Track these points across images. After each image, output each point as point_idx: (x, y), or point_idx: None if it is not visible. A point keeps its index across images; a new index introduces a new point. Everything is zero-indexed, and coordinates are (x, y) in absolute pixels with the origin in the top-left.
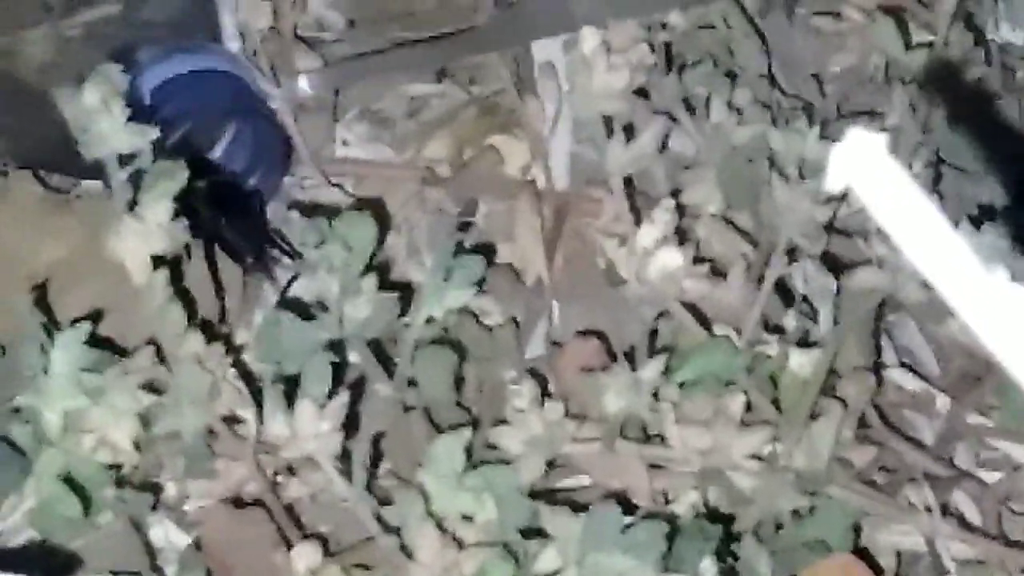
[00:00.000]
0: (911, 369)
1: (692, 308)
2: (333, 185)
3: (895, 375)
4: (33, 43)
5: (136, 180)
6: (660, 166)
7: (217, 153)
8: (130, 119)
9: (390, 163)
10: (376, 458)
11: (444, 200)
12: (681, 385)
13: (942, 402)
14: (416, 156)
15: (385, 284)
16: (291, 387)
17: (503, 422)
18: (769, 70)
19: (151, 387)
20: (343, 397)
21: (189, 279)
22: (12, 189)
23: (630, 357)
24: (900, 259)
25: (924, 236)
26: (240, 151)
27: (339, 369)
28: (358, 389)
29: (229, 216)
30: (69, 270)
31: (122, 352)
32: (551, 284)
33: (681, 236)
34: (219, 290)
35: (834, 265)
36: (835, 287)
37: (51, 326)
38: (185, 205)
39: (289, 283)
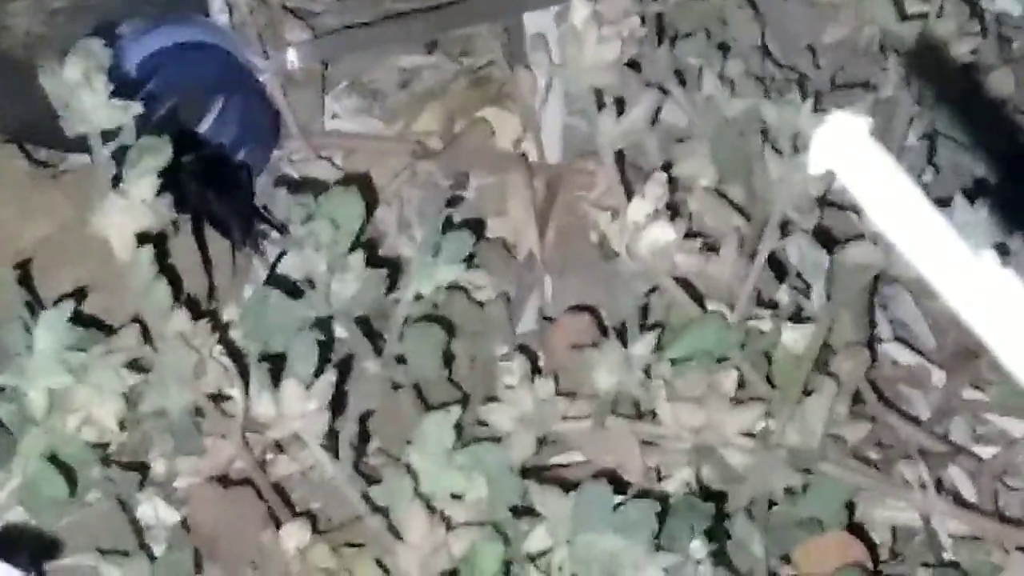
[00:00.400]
0: (906, 343)
1: (684, 283)
2: (322, 158)
3: (890, 349)
4: (18, 15)
5: (120, 156)
6: (652, 139)
7: (205, 127)
8: (114, 93)
9: (380, 136)
10: (364, 436)
11: (435, 173)
12: (673, 361)
13: (938, 376)
14: (406, 129)
15: (375, 258)
16: (278, 365)
17: (494, 399)
18: (763, 41)
19: (136, 365)
20: (330, 376)
21: (176, 255)
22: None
23: (621, 333)
24: (881, 245)
25: (909, 220)
26: (228, 125)
27: (326, 347)
28: (346, 367)
29: (217, 190)
30: (55, 247)
31: (108, 330)
32: (543, 258)
33: (673, 210)
34: (207, 265)
35: (827, 239)
36: (828, 262)
37: (35, 304)
38: (172, 179)
39: (277, 259)
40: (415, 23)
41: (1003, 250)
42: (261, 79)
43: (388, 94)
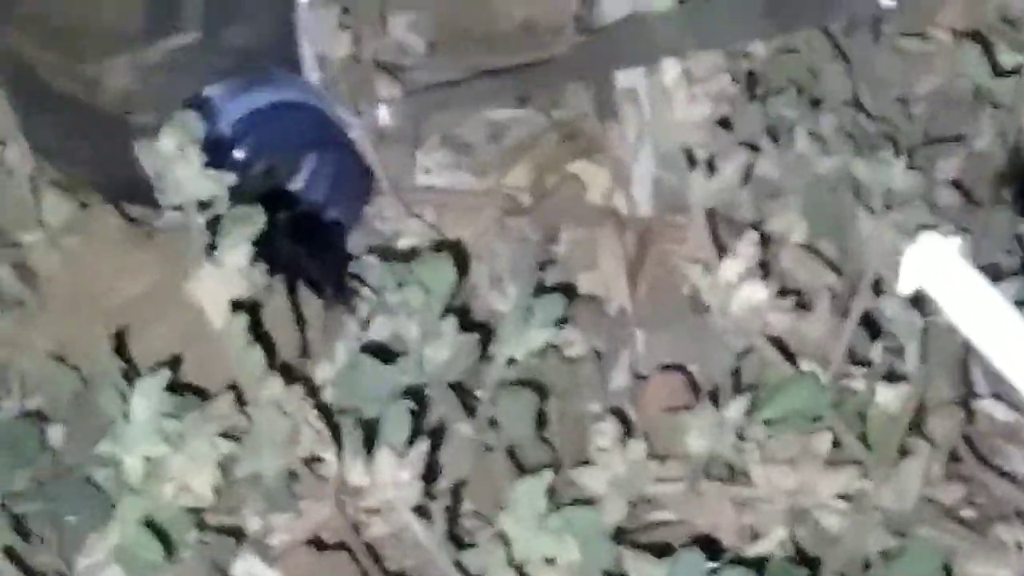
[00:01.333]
0: (1003, 399)
1: (777, 342)
2: (413, 215)
3: (987, 405)
4: (114, 72)
5: (214, 225)
6: (745, 194)
7: (298, 185)
8: (208, 153)
9: (471, 191)
10: (457, 500)
11: (526, 228)
12: (766, 423)
13: None
14: (497, 183)
15: (467, 315)
16: (371, 431)
17: (586, 462)
18: (854, 94)
19: (231, 434)
20: (422, 445)
21: (268, 318)
22: (93, 222)
23: (714, 394)
24: None
25: (1004, 338)
26: (320, 183)
27: (419, 415)
28: (439, 434)
29: (310, 249)
30: (149, 307)
31: (203, 395)
32: (635, 313)
33: (765, 267)
34: (300, 324)
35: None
36: (922, 323)
37: (131, 371)
38: (266, 238)
39: (368, 321)
40: (505, 81)
41: None
42: (353, 136)
43: (479, 148)
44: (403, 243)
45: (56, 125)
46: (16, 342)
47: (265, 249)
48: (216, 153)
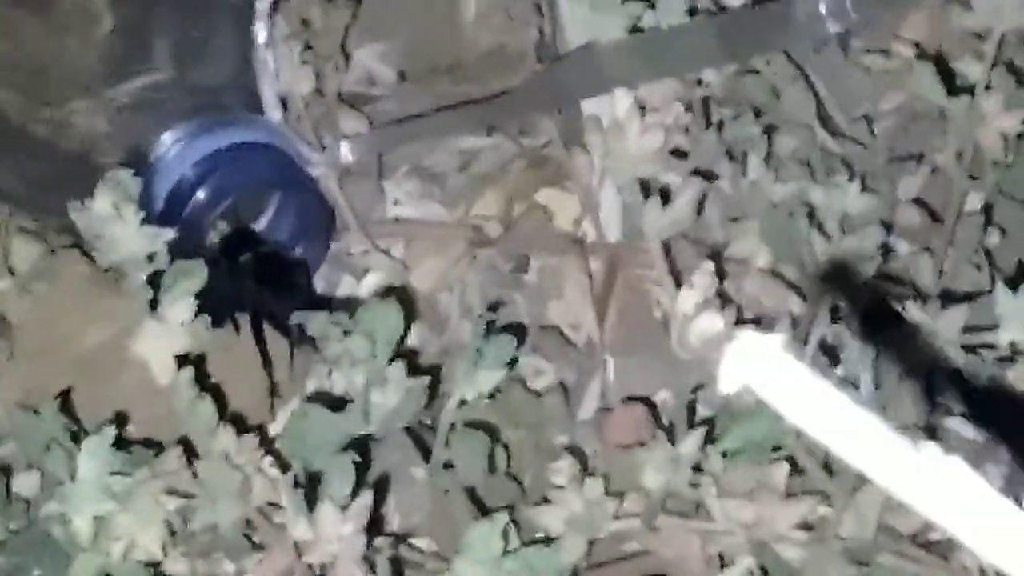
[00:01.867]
0: (970, 419)
1: None
2: (380, 250)
3: (955, 425)
4: (80, 112)
5: (156, 280)
6: (703, 223)
7: (262, 225)
8: (171, 197)
9: (441, 222)
10: (411, 547)
11: (495, 257)
12: (725, 455)
13: (1004, 452)
14: (466, 214)
15: (416, 357)
16: (317, 483)
17: (546, 499)
18: (818, 113)
19: (179, 489)
20: (366, 498)
21: (217, 367)
22: (60, 268)
23: (670, 429)
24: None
25: (840, 426)
26: (284, 222)
27: (363, 466)
28: (387, 483)
29: (274, 288)
30: (114, 354)
31: (158, 447)
32: (604, 341)
33: (725, 295)
34: (266, 365)
35: (876, 323)
36: (874, 353)
37: (80, 430)
38: (231, 278)
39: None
40: (472, 112)
41: None
42: (315, 174)
43: (448, 178)
44: (370, 279)
45: (22, 170)
46: None
47: (229, 291)
48: (178, 196)
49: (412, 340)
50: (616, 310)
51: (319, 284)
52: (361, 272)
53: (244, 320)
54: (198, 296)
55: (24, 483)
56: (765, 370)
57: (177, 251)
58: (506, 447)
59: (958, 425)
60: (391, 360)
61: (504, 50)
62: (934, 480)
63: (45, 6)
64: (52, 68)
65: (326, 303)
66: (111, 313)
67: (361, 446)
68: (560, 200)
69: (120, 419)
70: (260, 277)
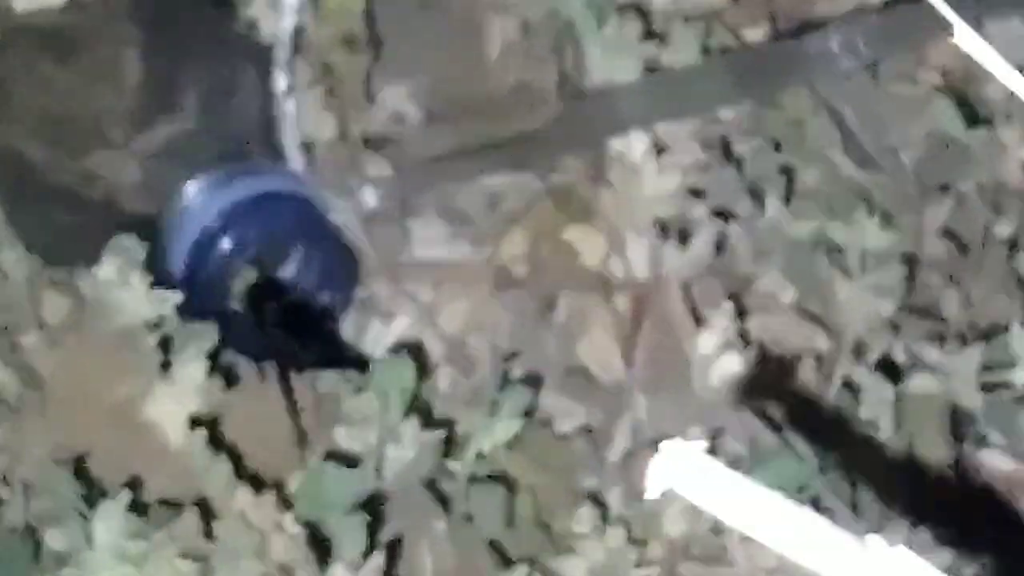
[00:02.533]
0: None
1: (761, 411)
2: (406, 295)
3: (988, 458)
4: (108, 164)
5: (166, 344)
6: (724, 262)
7: (287, 274)
8: (197, 247)
9: (467, 263)
10: None
11: (524, 297)
12: None
13: None
14: (493, 254)
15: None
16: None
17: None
18: (843, 143)
19: (195, 552)
20: (378, 559)
21: (233, 427)
22: (89, 321)
23: None
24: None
25: (776, 526)
26: (309, 270)
27: (376, 525)
28: (398, 542)
29: (302, 336)
30: (133, 415)
31: (177, 507)
32: (633, 380)
33: (749, 334)
34: (293, 413)
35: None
36: (893, 394)
37: (95, 493)
38: (257, 327)
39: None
40: (497, 152)
41: None
42: (339, 220)
43: (476, 217)
44: (397, 324)
45: (50, 221)
46: (18, 446)
47: (255, 340)
48: (202, 246)
49: (441, 383)
50: (645, 349)
51: (348, 330)
52: (389, 317)
53: (271, 369)
54: (226, 345)
55: (56, 538)
56: (691, 476)
57: (201, 300)
58: (533, 493)
59: (993, 458)
60: (406, 414)
61: (528, 88)
62: (881, 573)
63: (74, 57)
64: (80, 119)
65: (351, 351)
66: (132, 371)
67: (376, 503)
68: (587, 238)
69: (137, 481)
70: (287, 325)
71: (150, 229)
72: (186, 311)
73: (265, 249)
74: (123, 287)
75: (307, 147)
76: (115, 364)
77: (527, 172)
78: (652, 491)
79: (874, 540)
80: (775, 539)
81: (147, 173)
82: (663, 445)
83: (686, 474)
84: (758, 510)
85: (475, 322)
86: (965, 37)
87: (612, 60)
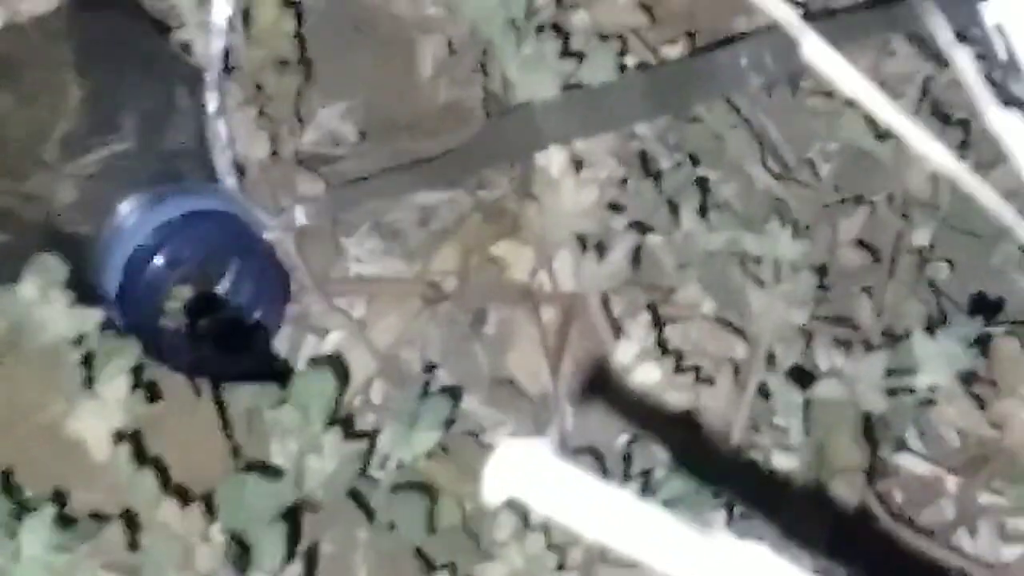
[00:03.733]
0: (919, 453)
1: (678, 419)
2: (338, 310)
3: (905, 461)
4: (47, 184)
5: (89, 360)
6: (643, 273)
7: (221, 290)
8: (130, 266)
9: (398, 278)
10: None
11: (454, 311)
12: (665, 503)
13: (952, 484)
14: (424, 269)
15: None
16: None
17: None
18: (762, 157)
19: (121, 564)
20: (296, 568)
21: (158, 440)
22: (24, 341)
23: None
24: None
25: (621, 524)
26: (242, 287)
27: (294, 535)
28: (314, 552)
29: (233, 353)
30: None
31: (105, 520)
32: (559, 391)
33: (667, 344)
34: (226, 428)
35: (804, 370)
36: (801, 400)
37: (23, 508)
38: (192, 342)
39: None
40: (427, 169)
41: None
42: (271, 238)
43: (408, 233)
44: (331, 338)
45: None
46: None
47: (190, 356)
48: (135, 264)
49: (375, 396)
50: (572, 360)
51: (283, 345)
52: (322, 332)
53: (203, 383)
54: (159, 360)
55: None
56: (532, 478)
57: (135, 317)
58: (458, 502)
59: (909, 462)
60: (328, 426)
61: (457, 106)
62: (733, 570)
63: (11, 79)
64: (16, 141)
65: (285, 366)
66: (56, 388)
67: (298, 514)
68: (515, 252)
69: (64, 495)
70: (220, 341)
71: (86, 248)
72: (120, 327)
73: (198, 266)
74: (44, 305)
75: (240, 166)
76: (40, 381)
77: (457, 188)
78: (491, 496)
79: (723, 536)
80: (624, 541)
81: (83, 193)
82: (500, 446)
83: (528, 477)
84: (606, 512)
85: (406, 336)
86: (817, 53)
87: (532, 77)
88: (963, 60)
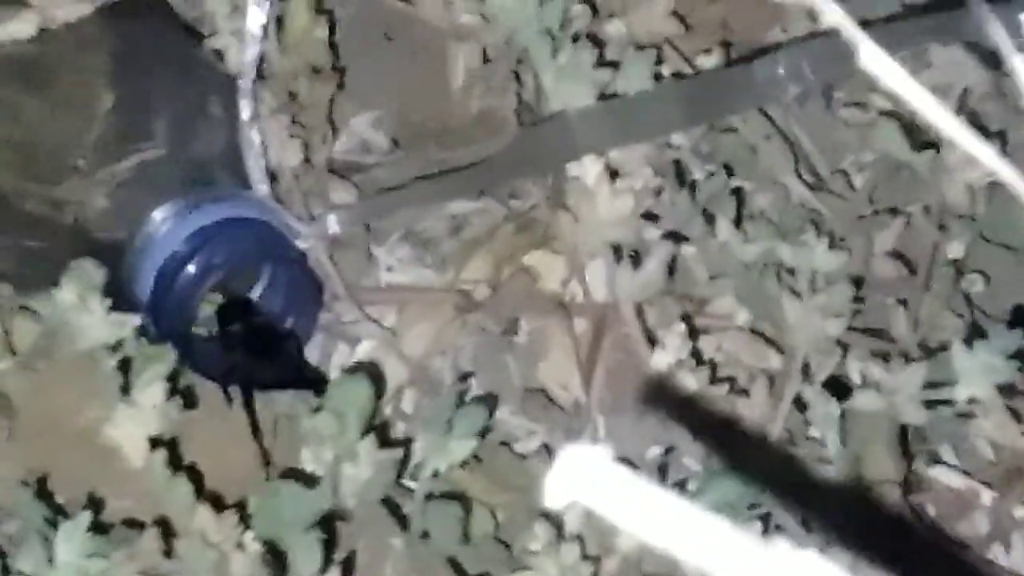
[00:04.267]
0: (954, 466)
1: (714, 430)
2: (370, 319)
3: (939, 474)
4: (78, 190)
5: (126, 366)
6: (678, 283)
7: (252, 297)
8: (162, 272)
9: (430, 288)
10: None
11: (486, 320)
12: None
13: (987, 497)
14: (455, 279)
15: (415, 425)
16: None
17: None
18: (796, 168)
19: (157, 571)
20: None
21: (193, 447)
22: (58, 347)
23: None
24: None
25: (683, 533)
26: (275, 294)
27: (331, 543)
28: (351, 560)
29: (266, 359)
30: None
31: (141, 527)
32: (591, 401)
33: (702, 354)
34: (256, 434)
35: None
36: (839, 411)
37: (58, 514)
38: (224, 350)
39: None
40: (460, 178)
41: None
42: (304, 246)
43: (439, 242)
44: (362, 347)
45: (19, 248)
46: None
47: (222, 364)
48: (168, 271)
49: (405, 405)
50: (604, 370)
51: (314, 354)
52: (354, 340)
53: (235, 392)
54: (191, 368)
55: (26, 560)
56: (594, 483)
57: (168, 324)
58: (491, 511)
59: (943, 474)
60: (363, 434)
61: (490, 115)
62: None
63: (44, 86)
64: (49, 147)
65: (316, 374)
66: (95, 394)
67: (333, 522)
68: (547, 262)
69: (99, 501)
70: (252, 348)
71: (118, 255)
72: (153, 335)
73: (231, 274)
74: (83, 311)
75: (272, 174)
76: (78, 387)
77: (489, 198)
78: (553, 500)
79: (782, 544)
80: (682, 546)
81: (115, 200)
82: (564, 451)
83: (589, 482)
84: (663, 518)
85: (438, 345)
86: (873, 60)
87: (567, 86)
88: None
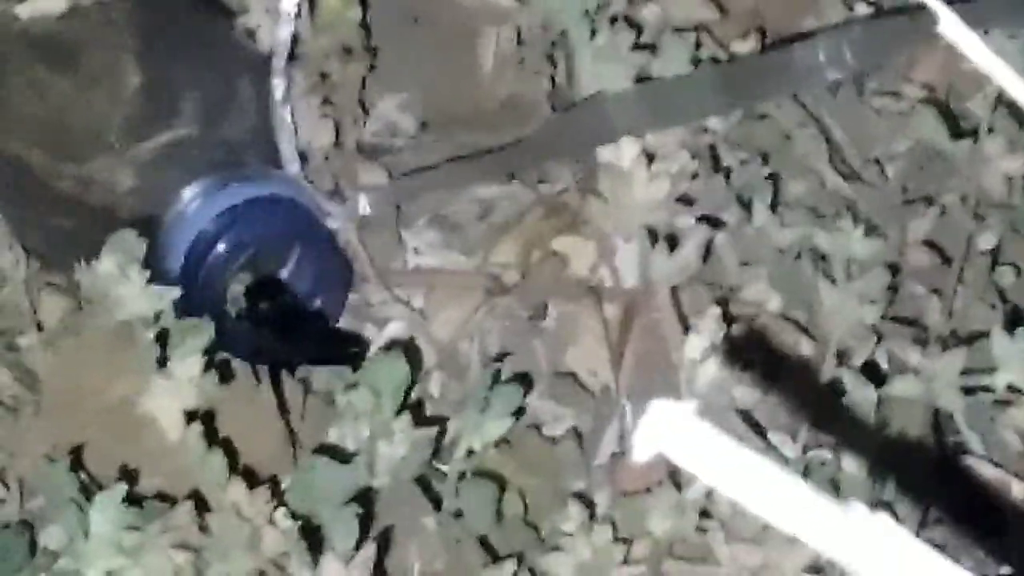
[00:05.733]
0: (986, 457)
1: (746, 415)
2: (399, 301)
3: (972, 464)
4: (106, 169)
5: (163, 339)
6: (712, 269)
7: (282, 276)
8: (191, 251)
9: (459, 271)
10: None
11: (514, 305)
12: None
13: (1018, 489)
14: (484, 262)
15: (442, 407)
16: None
17: (556, 547)
18: (830, 156)
19: (190, 544)
20: (369, 550)
21: (227, 421)
22: (85, 322)
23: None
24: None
25: (762, 489)
26: (304, 274)
27: (367, 518)
28: (391, 534)
29: (295, 338)
30: (130, 410)
31: (173, 501)
32: (620, 386)
33: (736, 339)
34: (284, 413)
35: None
36: (875, 396)
37: (92, 486)
38: (252, 328)
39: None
40: (489, 161)
41: None
42: (334, 226)
43: (467, 226)
44: (390, 329)
45: (48, 225)
46: (14, 445)
47: (249, 341)
48: (198, 249)
49: (432, 388)
50: (633, 355)
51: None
52: (382, 322)
53: (263, 370)
54: (221, 347)
55: (52, 536)
56: (680, 438)
57: (197, 303)
58: (521, 494)
59: (974, 464)
60: (398, 412)
61: (520, 99)
62: (863, 539)
63: (73, 64)
64: (78, 125)
65: (346, 346)
66: (128, 368)
67: (367, 499)
68: (576, 247)
69: (133, 474)
70: (281, 327)
71: (147, 233)
72: (182, 313)
73: (260, 253)
74: (122, 282)
75: (303, 154)
76: (113, 359)
77: (518, 181)
78: (640, 453)
79: (857, 507)
80: (760, 504)
81: (144, 178)
82: (652, 405)
83: (675, 436)
84: (745, 474)
85: (466, 329)
86: (952, 28)
87: (603, 69)
88: None
